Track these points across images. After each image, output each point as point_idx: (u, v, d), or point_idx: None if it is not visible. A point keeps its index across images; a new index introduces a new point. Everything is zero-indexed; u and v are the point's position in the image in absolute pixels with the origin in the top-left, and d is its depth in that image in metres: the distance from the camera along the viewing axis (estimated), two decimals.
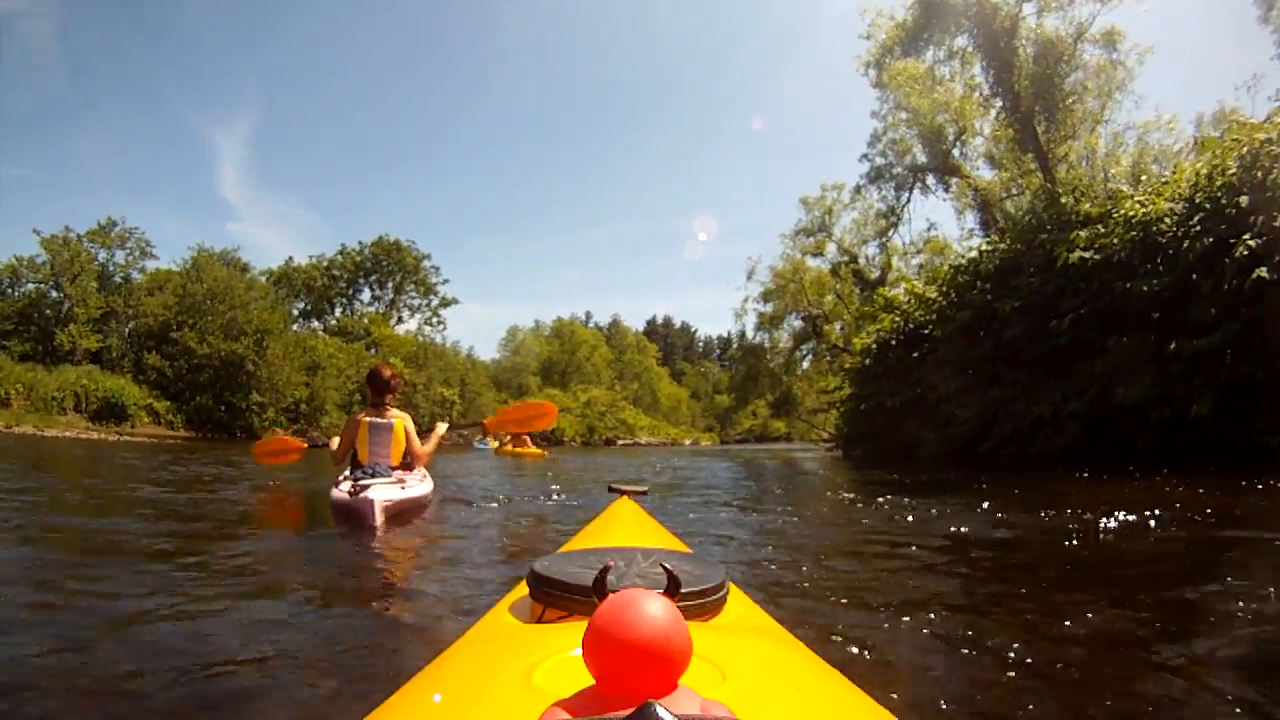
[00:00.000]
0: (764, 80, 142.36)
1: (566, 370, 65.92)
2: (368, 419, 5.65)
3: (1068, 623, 2.49)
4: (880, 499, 6.98)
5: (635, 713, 0.53)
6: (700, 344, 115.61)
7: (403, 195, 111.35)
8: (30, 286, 34.12)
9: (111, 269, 36.67)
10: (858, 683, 1.02)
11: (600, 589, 0.94)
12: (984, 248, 16.92)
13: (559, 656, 0.91)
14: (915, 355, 17.32)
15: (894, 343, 18.64)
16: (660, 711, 0.52)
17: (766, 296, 38.66)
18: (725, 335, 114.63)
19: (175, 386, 30.20)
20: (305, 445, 7.02)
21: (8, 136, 66.14)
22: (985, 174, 28.11)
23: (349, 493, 4.84)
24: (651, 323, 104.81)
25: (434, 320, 55.27)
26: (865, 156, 32.44)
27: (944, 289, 17.53)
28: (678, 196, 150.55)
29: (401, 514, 5.16)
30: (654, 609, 0.66)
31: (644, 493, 3.03)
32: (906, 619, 2.50)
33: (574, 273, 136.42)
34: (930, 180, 31.20)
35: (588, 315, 77.70)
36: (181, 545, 3.99)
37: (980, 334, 15.70)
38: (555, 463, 15.00)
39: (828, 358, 39.11)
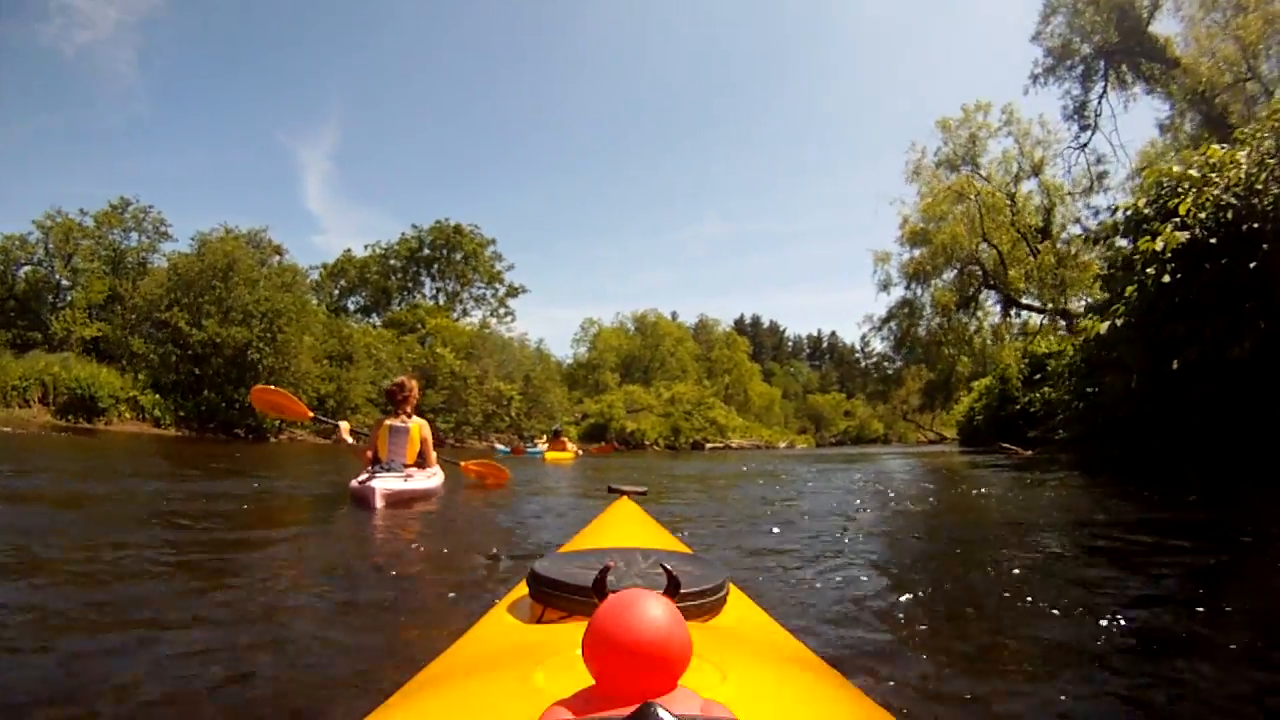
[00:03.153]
0: (858, 76, 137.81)
1: (649, 366, 58.40)
2: (388, 423, 6.58)
3: None
4: None
5: (635, 713, 0.54)
6: (789, 343, 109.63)
7: (486, 200, 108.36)
8: (27, 269, 29.81)
9: (126, 252, 32.19)
10: (857, 683, 1.02)
11: (600, 589, 0.95)
12: None
13: (559, 656, 0.90)
14: (1253, 265, 9.21)
15: (1211, 243, 9.72)
16: (660, 712, 0.53)
17: (913, 238, 28.85)
18: (815, 334, 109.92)
19: (169, 378, 24.81)
20: (311, 414, 7.57)
21: (94, 159, 70.21)
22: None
23: (360, 482, 5.80)
24: (739, 321, 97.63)
25: (500, 311, 49.48)
26: (1038, 36, 24.97)
27: None
28: (762, 198, 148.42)
29: (406, 502, 5.98)
30: (654, 609, 0.67)
31: (643, 493, 2.99)
32: None
33: (659, 275, 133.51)
34: (1125, 70, 23.63)
35: (674, 315, 70.91)
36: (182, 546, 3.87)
37: None
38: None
39: (1014, 315, 29.89)
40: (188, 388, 25.00)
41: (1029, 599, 2.98)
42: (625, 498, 2.84)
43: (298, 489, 7.86)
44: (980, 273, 28.64)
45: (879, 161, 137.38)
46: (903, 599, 2.94)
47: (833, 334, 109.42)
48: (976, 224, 27.28)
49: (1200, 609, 2.74)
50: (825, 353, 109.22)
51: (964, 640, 2.51)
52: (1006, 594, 3.10)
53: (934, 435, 74.41)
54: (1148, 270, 10.32)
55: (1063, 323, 26.38)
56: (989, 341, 29.53)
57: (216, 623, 2.39)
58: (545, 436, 25.50)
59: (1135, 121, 49.02)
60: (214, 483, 7.97)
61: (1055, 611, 2.77)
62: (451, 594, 3.01)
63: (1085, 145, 26.20)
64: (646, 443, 45.33)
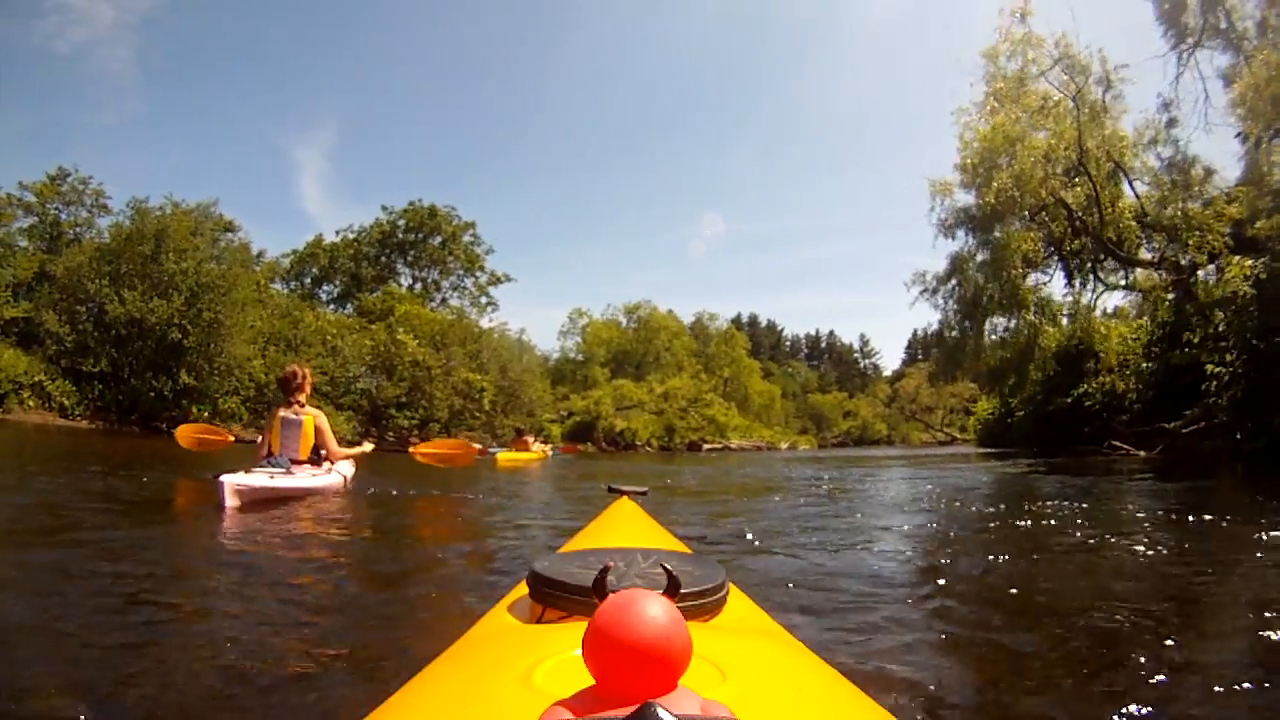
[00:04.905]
0: (851, 78, 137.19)
1: (642, 362, 54.15)
2: (281, 414, 6.22)
3: None
4: None
5: (635, 713, 0.54)
6: (787, 343, 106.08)
7: (480, 201, 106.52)
8: None
9: (62, 226, 29.15)
10: (858, 683, 1.00)
11: (600, 589, 0.94)
12: None
13: (559, 656, 0.90)
14: None
15: None
16: (660, 712, 0.53)
17: (973, 173, 21.69)
18: (814, 333, 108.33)
19: (87, 363, 21.53)
20: (231, 439, 7.49)
21: (91, 157, 69.22)
22: None
23: (213, 476, 5.24)
24: (736, 320, 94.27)
25: (481, 300, 45.90)
26: None
27: None
28: (760, 199, 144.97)
29: (276, 502, 5.42)
30: (654, 609, 0.67)
31: (644, 493, 2.92)
32: None
33: (653, 275, 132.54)
34: None
35: (669, 313, 67.41)
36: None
37: None
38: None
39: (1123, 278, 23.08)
40: (107, 374, 21.73)
41: None
42: (625, 498, 2.79)
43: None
44: (1066, 215, 22.21)
45: (882, 163, 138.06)
46: None
47: (831, 333, 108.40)
48: (1068, 144, 20.37)
49: None
50: (824, 352, 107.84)
51: None
52: None
53: (944, 436, 71.61)
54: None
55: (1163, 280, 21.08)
56: (1083, 307, 23.09)
57: (205, 627, 2.36)
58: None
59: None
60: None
61: None
62: (451, 594, 3.02)
63: (1197, 47, 19.85)
64: (638, 443, 41.87)
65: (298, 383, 6.38)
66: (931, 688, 1.94)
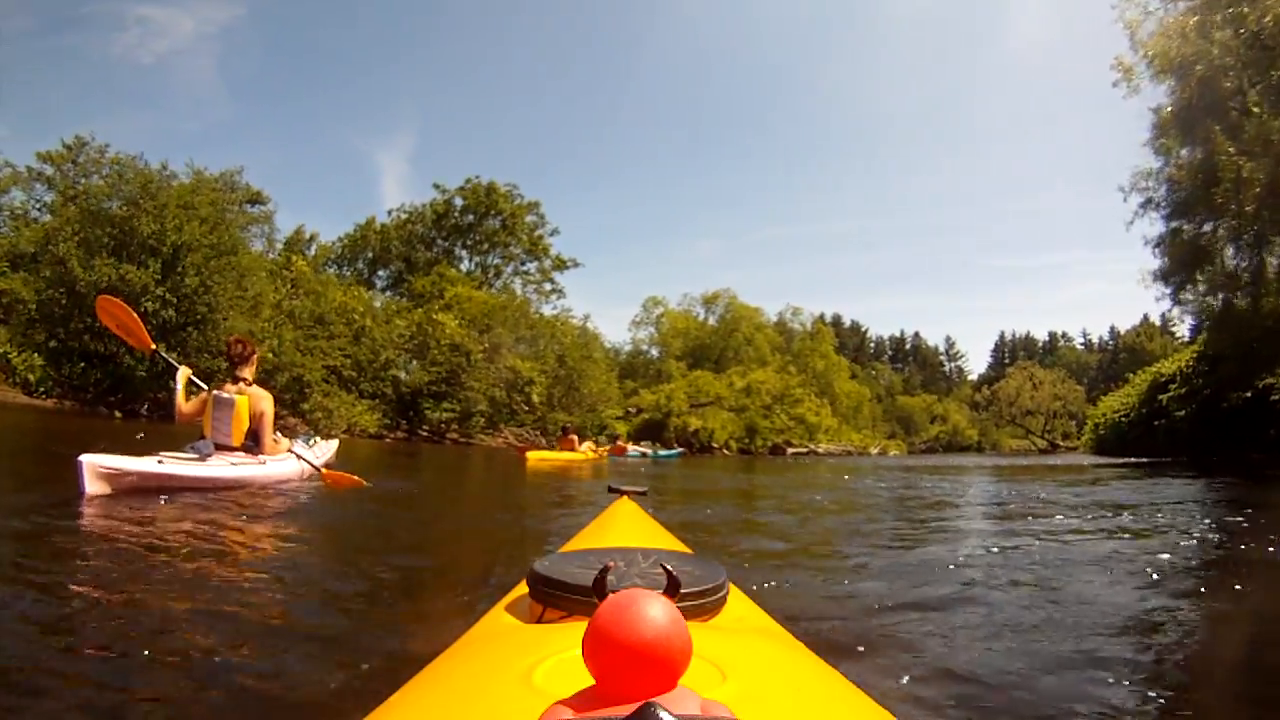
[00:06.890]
0: (937, 77, 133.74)
1: (721, 357, 48.45)
2: (214, 392, 5.55)
3: None
4: None
5: (635, 713, 0.54)
6: (871, 344, 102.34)
7: (561, 201, 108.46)
8: None
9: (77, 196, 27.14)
10: (858, 683, 0.99)
11: (600, 589, 0.94)
12: None
13: (559, 656, 0.91)
14: None
15: None
16: (661, 712, 0.53)
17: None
18: (899, 334, 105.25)
19: (58, 332, 18.58)
20: (152, 346, 6.14)
21: (178, 164, 69.21)
22: None
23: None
24: (820, 319, 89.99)
25: (545, 286, 41.93)
26: None
27: None
28: (846, 199, 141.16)
29: (168, 491, 4.68)
30: (654, 609, 0.67)
31: (644, 493, 2.88)
32: None
33: (731, 275, 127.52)
34: None
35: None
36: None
37: None
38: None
39: None
40: (90, 351, 18.65)
41: None
42: (625, 497, 2.77)
43: None
44: None
45: (952, 163, 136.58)
46: None
47: (916, 334, 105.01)
48: None
49: None
50: (909, 354, 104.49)
51: None
52: None
53: (1044, 443, 66.38)
54: None
55: None
56: None
57: (194, 627, 2.24)
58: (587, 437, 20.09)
59: None
60: None
61: None
62: (451, 594, 3.03)
63: None
64: (714, 445, 37.17)
65: (241, 355, 5.69)
66: None
